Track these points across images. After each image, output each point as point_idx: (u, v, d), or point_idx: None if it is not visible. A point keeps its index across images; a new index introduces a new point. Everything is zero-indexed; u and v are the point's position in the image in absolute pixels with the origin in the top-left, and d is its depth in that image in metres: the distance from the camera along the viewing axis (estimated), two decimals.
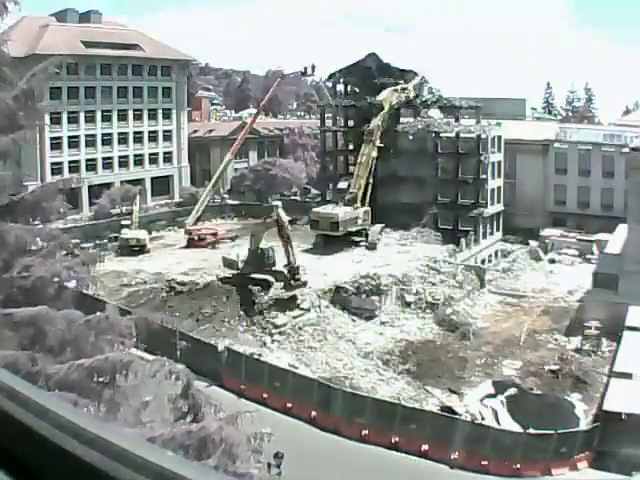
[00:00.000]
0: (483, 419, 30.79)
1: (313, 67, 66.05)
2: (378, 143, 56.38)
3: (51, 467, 1.53)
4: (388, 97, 58.04)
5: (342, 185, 59.46)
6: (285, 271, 41.67)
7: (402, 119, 62.23)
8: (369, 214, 54.29)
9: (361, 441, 29.87)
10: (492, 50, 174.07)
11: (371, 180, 55.52)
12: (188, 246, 55.73)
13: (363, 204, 54.47)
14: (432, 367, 36.34)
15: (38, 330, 11.67)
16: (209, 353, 34.73)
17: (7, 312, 11.88)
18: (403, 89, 60.18)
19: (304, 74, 67.36)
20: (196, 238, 56.53)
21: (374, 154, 56.07)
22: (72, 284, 13.62)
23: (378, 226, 54.11)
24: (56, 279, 12.71)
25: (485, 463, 28.18)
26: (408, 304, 43.57)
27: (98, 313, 12.69)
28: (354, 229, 52.77)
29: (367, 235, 52.80)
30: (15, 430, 1.60)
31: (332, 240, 51.71)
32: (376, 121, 56.59)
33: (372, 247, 51.30)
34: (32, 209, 13.15)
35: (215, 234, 57.91)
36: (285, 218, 42.72)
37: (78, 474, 1.49)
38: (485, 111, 62.80)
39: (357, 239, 52.61)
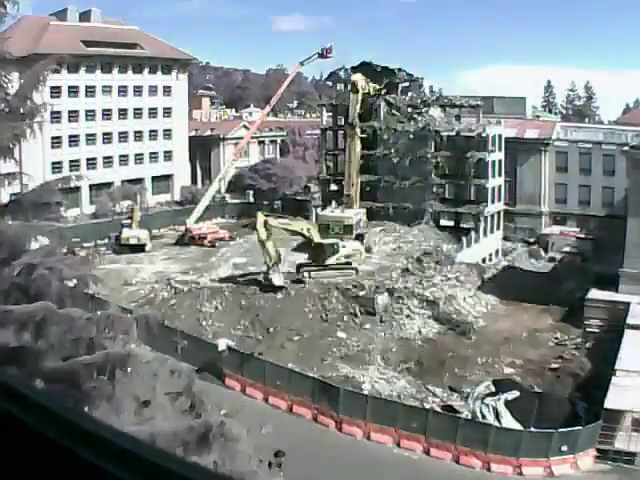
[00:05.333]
0: (484, 417, 30.78)
1: (330, 48, 65.03)
2: (359, 133, 55.88)
3: (52, 467, 1.52)
4: (359, 80, 57.13)
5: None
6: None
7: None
8: (365, 215, 53.77)
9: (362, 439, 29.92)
10: None
11: (361, 178, 55.09)
12: (189, 245, 55.74)
13: (358, 205, 54.22)
14: (433, 366, 36.30)
15: (38, 326, 11.64)
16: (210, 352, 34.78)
17: (7, 309, 11.85)
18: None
19: (321, 56, 65.83)
20: (197, 237, 56.56)
21: (358, 147, 55.60)
22: (73, 282, 13.58)
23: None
24: (57, 277, 12.66)
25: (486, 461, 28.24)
26: (409, 302, 43.46)
27: (99, 312, 12.63)
28: (363, 231, 50.86)
29: (363, 238, 50.40)
30: (15, 429, 1.59)
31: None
32: (352, 109, 55.70)
33: (368, 250, 49.54)
34: (33, 207, 13.14)
35: (216, 233, 57.94)
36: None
37: (79, 474, 1.48)
38: (485, 109, 62.77)
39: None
